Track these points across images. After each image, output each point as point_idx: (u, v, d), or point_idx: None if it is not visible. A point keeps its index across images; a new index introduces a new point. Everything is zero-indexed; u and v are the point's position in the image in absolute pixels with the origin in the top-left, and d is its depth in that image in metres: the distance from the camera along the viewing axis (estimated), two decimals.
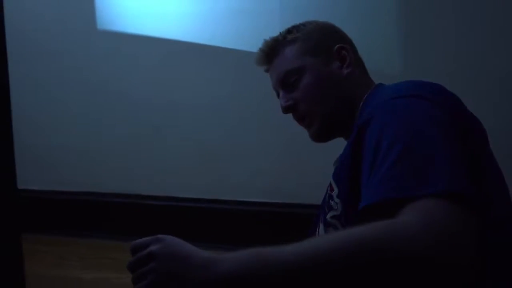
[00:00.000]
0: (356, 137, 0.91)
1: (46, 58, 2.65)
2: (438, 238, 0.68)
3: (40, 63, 2.74)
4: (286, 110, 1.18)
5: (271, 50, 1.19)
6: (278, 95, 1.22)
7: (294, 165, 2.30)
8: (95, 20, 2.70)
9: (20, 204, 0.96)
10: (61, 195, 2.71)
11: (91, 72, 2.66)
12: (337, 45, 1.17)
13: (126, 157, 2.69)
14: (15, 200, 0.97)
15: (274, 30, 1.26)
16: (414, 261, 0.67)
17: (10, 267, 0.94)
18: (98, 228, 2.56)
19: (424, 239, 0.67)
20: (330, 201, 0.99)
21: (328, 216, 0.99)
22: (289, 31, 1.20)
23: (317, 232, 1.06)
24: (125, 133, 2.67)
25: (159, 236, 0.83)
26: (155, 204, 2.62)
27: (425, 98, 0.89)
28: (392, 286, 0.69)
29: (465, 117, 0.92)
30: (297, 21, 1.27)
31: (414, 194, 0.71)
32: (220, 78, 2.52)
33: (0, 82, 0.92)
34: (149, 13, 2.66)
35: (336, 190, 0.98)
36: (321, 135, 1.19)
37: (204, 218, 2.52)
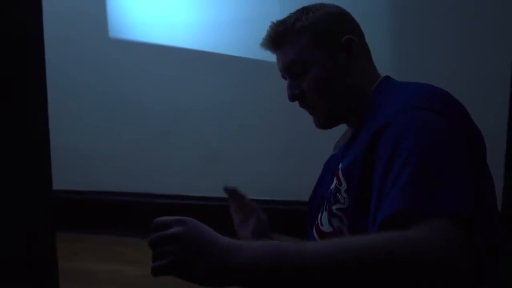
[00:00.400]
0: (371, 140, 0.93)
1: (60, 65, 2.72)
2: (442, 257, 0.73)
3: (55, 69, 2.82)
4: (292, 98, 1.15)
5: (278, 37, 1.14)
6: (284, 77, 1.19)
7: (294, 166, 2.36)
8: (107, 29, 2.80)
9: (55, 204, 0.99)
10: (73, 194, 2.78)
11: (103, 78, 2.74)
12: (345, 37, 1.12)
13: (135, 159, 2.77)
14: (51, 200, 0.99)
15: None
16: (419, 273, 0.73)
17: (47, 261, 0.96)
18: (109, 225, 2.62)
19: (431, 256, 0.73)
20: (337, 194, 1.00)
21: (334, 208, 1.00)
22: (297, 18, 1.13)
23: (319, 220, 1.07)
24: (135, 136, 2.75)
25: (183, 218, 0.82)
26: (163, 202, 2.68)
27: (438, 112, 0.90)
28: None
29: (471, 127, 0.94)
30: None
31: (428, 212, 0.75)
32: (224, 84, 2.59)
33: (39, 88, 0.97)
34: (158, 23, 2.76)
35: (344, 185, 0.99)
36: (325, 125, 1.17)
37: (208, 214, 2.53)
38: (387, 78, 1.13)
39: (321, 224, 1.04)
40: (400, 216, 0.75)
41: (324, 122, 1.14)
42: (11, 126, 0.92)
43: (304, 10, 1.15)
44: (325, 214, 1.03)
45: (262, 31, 1.23)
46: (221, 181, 2.44)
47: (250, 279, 0.77)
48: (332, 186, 1.02)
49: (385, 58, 2.29)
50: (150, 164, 2.76)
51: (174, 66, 2.74)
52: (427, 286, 0.72)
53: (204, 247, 0.78)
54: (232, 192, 1.30)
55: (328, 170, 1.17)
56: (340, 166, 1.02)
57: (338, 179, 0.99)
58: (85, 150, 2.78)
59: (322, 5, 1.16)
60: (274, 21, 1.14)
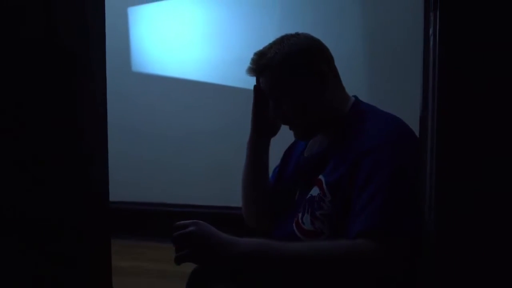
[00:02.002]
0: (353, 163, 1.02)
1: None
2: (380, 264, 0.94)
3: None
4: (274, 118, 1.20)
5: (259, 68, 1.15)
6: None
7: None
8: (130, 63, 2.97)
9: (110, 211, 1.02)
10: None
11: (127, 106, 2.85)
12: (317, 65, 1.12)
13: (152, 174, 2.89)
14: (107, 207, 1.01)
15: None
16: (362, 270, 0.95)
17: (103, 264, 0.99)
18: (129, 230, 2.68)
19: (372, 263, 0.94)
20: (322, 203, 1.06)
21: (318, 213, 1.07)
22: (275, 51, 1.13)
23: (300, 219, 1.11)
24: (153, 155, 2.89)
25: (196, 221, 1.01)
26: (176, 210, 2.79)
27: (405, 146, 1.03)
28: (347, 278, 0.96)
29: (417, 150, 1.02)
30: None
31: (384, 231, 0.94)
32: (229, 110, 2.75)
33: (100, 98, 0.95)
34: (174, 59, 2.93)
35: (329, 196, 1.06)
36: (303, 138, 1.22)
37: (215, 221, 2.62)
38: (357, 99, 1.18)
39: (303, 223, 1.10)
40: (367, 231, 0.95)
41: (302, 135, 1.20)
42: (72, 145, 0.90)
43: (281, 42, 1.14)
44: (307, 216, 1.09)
45: None
46: (226, 193, 2.53)
47: (246, 263, 0.98)
48: (315, 194, 1.08)
49: (358, 71, 2.50)
50: (165, 177, 2.88)
51: (187, 95, 2.88)
52: (355, 276, 0.96)
53: (212, 241, 0.97)
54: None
55: (292, 161, 1.28)
56: (323, 178, 1.08)
57: (322, 190, 1.07)
58: (111, 166, 2.92)
59: (296, 37, 1.16)
60: (256, 52, 1.15)
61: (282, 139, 1.32)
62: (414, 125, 1.04)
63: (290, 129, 1.19)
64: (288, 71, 1.12)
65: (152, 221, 2.82)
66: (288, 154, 1.32)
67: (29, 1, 0.82)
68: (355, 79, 2.43)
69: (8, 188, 0.80)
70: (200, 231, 0.99)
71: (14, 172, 0.81)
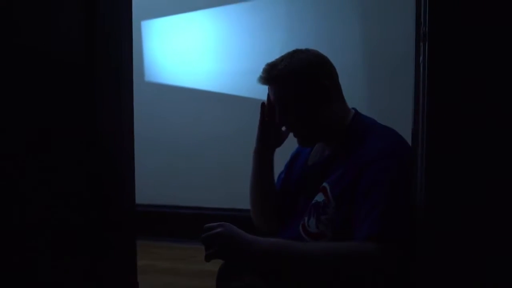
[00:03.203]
0: (357, 174, 1.08)
1: None
2: (383, 262, 1.00)
3: None
4: (280, 126, 1.26)
5: (270, 77, 1.19)
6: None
7: None
8: (144, 74, 3.00)
9: (136, 213, 1.03)
10: None
11: (140, 114, 2.64)
12: (321, 81, 1.17)
13: (165, 178, 2.93)
14: (133, 210, 1.02)
15: None
16: (369, 267, 1.01)
17: (129, 261, 1.02)
18: (143, 231, 2.66)
19: (374, 262, 1.00)
20: (326, 208, 1.12)
21: (322, 217, 1.13)
22: (285, 64, 1.17)
23: (306, 222, 1.17)
24: (166, 160, 2.93)
25: (222, 222, 1.07)
26: (186, 212, 2.86)
27: (401, 157, 1.08)
28: (347, 276, 1.03)
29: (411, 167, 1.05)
30: None
31: (384, 237, 1.00)
32: (237, 118, 2.79)
33: (127, 109, 0.99)
34: (185, 70, 2.98)
35: (333, 203, 1.11)
36: (305, 144, 1.28)
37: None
38: (356, 112, 1.24)
39: (309, 226, 1.16)
40: (372, 235, 1.02)
41: (305, 143, 1.26)
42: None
43: (291, 56, 1.19)
44: (312, 219, 1.15)
45: None
46: (234, 196, 2.54)
47: (266, 260, 1.06)
48: (320, 200, 1.14)
49: (358, 88, 2.53)
50: (177, 181, 2.92)
51: (198, 104, 2.93)
52: (357, 273, 1.03)
53: (237, 240, 1.05)
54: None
55: (297, 167, 1.33)
56: (327, 186, 1.14)
57: (327, 197, 1.13)
58: None
59: (306, 53, 1.21)
60: (268, 62, 1.21)
61: (285, 148, 1.36)
62: (408, 135, 1.10)
63: (294, 136, 1.24)
64: (295, 83, 1.17)
65: (165, 222, 2.87)
66: (293, 162, 1.37)
67: (76, 20, 0.88)
68: (355, 90, 2.51)
69: (44, 196, 0.83)
70: (226, 231, 1.06)
71: (49, 181, 0.84)
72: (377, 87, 2.57)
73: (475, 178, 0.76)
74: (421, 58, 0.81)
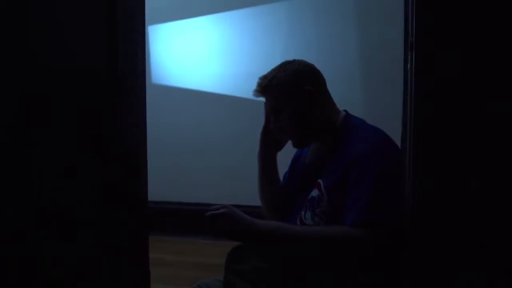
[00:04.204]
0: (346, 169, 1.14)
1: None
2: (366, 244, 1.07)
3: None
4: (275, 131, 1.31)
5: (262, 89, 1.27)
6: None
7: None
8: (150, 76, 3.03)
9: (149, 210, 1.03)
10: None
11: (147, 115, 2.90)
12: (306, 88, 1.23)
13: (172, 176, 2.95)
14: (146, 206, 1.02)
15: None
16: (355, 249, 1.09)
17: (143, 252, 1.02)
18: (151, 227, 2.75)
19: (359, 245, 1.08)
20: (321, 202, 1.18)
21: (317, 210, 1.19)
22: (274, 75, 1.25)
23: (303, 216, 1.23)
24: (171, 159, 2.95)
25: (226, 204, 1.17)
26: (191, 209, 2.89)
27: (386, 154, 1.15)
28: (335, 257, 1.10)
29: (397, 159, 1.11)
30: None
31: (370, 221, 1.08)
32: (240, 119, 2.85)
33: (139, 109, 0.98)
34: (190, 72, 3.03)
35: (326, 197, 1.18)
36: (299, 146, 1.34)
37: None
38: (347, 113, 1.29)
39: (305, 219, 1.23)
40: (358, 222, 1.10)
41: (298, 144, 1.33)
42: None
43: (279, 68, 1.27)
44: (308, 213, 1.22)
45: None
46: (236, 193, 2.65)
47: (262, 238, 1.14)
48: (315, 195, 1.21)
49: (354, 85, 2.57)
50: (182, 179, 2.97)
51: (202, 106, 2.98)
52: (343, 254, 1.11)
53: (238, 220, 1.14)
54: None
55: (298, 168, 1.39)
56: (321, 182, 1.20)
57: (321, 191, 1.19)
58: None
59: (292, 63, 1.28)
60: (260, 76, 1.28)
61: (290, 148, 1.40)
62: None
63: (289, 139, 1.32)
64: (282, 91, 1.24)
65: (171, 218, 2.91)
66: (295, 161, 1.44)
67: (100, 30, 0.91)
68: (351, 92, 2.57)
69: (67, 193, 0.85)
70: (228, 212, 1.15)
71: (73, 178, 0.86)
72: (372, 89, 2.61)
73: (459, 176, 0.82)
74: (409, 65, 0.88)
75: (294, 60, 1.30)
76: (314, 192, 1.21)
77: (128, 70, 0.96)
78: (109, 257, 0.94)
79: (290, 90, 1.24)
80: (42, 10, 0.77)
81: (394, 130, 1.24)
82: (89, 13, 0.89)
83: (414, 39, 0.84)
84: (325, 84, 1.30)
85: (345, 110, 1.31)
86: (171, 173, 2.95)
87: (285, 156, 1.46)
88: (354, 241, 1.10)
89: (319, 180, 1.21)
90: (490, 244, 0.80)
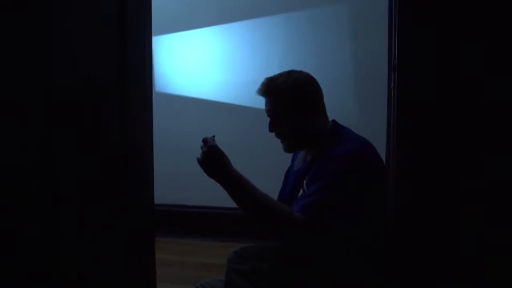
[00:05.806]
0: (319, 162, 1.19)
1: None
2: (301, 231, 1.13)
3: None
4: (270, 131, 1.33)
5: (267, 90, 1.28)
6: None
7: None
8: (154, 84, 3.03)
9: (155, 212, 1.06)
10: None
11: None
12: (311, 98, 1.26)
13: (173, 179, 2.94)
14: (153, 210, 1.05)
15: None
16: (288, 230, 1.14)
17: (150, 252, 1.04)
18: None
19: (298, 227, 1.12)
20: (302, 198, 1.22)
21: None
22: (281, 80, 1.26)
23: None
24: (174, 162, 2.94)
25: (213, 144, 1.23)
26: (193, 211, 2.92)
27: (358, 161, 1.16)
28: (274, 230, 1.16)
29: (373, 170, 1.16)
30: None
31: (312, 214, 1.13)
32: (240, 126, 2.85)
33: (145, 112, 1.00)
34: (192, 81, 3.03)
35: (305, 193, 1.22)
36: (289, 150, 1.36)
37: (223, 219, 2.76)
38: (334, 122, 1.33)
39: None
40: (302, 210, 1.16)
41: (289, 149, 1.36)
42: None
43: (289, 75, 1.29)
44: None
45: None
46: None
47: (227, 186, 1.20)
48: (299, 195, 1.27)
49: (348, 96, 2.58)
50: (184, 183, 2.95)
51: (204, 113, 2.98)
52: (279, 232, 1.16)
53: (216, 159, 1.22)
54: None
55: (290, 177, 1.43)
56: (305, 182, 1.25)
57: (304, 190, 1.24)
58: None
59: (300, 73, 1.31)
60: (268, 77, 1.31)
61: (285, 159, 1.44)
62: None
63: (281, 141, 1.33)
64: (289, 98, 1.26)
65: (173, 220, 2.92)
66: (287, 173, 1.50)
67: (111, 44, 0.93)
68: (345, 101, 2.61)
69: (80, 197, 0.87)
70: (207, 152, 1.23)
71: (95, 185, 0.90)
72: (365, 99, 2.63)
73: (437, 184, 0.86)
74: (392, 84, 0.95)
75: (301, 71, 1.32)
76: (300, 192, 1.26)
77: (137, 83, 1.00)
78: (119, 258, 0.97)
79: (295, 98, 1.26)
80: (59, 32, 0.80)
81: (385, 138, 1.26)
82: (102, 33, 0.92)
83: (396, 61, 0.91)
84: (323, 98, 1.32)
85: (333, 120, 1.34)
86: (173, 177, 2.95)
87: (285, 156, 1.46)
88: (293, 224, 1.14)
89: (304, 181, 1.26)
90: (474, 243, 0.83)
